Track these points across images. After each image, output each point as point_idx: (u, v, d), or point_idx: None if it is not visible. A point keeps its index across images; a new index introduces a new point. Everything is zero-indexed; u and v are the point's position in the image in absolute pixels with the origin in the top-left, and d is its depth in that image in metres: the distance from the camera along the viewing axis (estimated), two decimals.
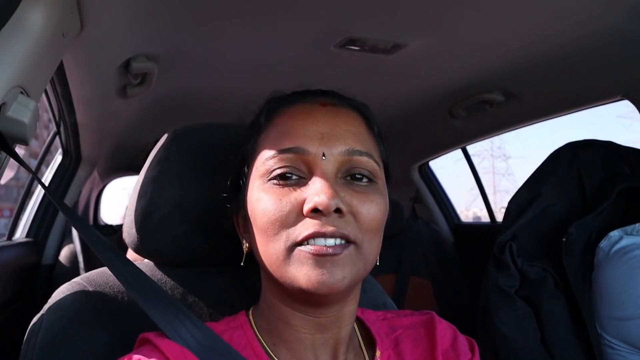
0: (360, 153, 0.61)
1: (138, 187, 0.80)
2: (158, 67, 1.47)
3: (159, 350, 0.58)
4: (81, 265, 2.16)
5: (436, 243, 2.75)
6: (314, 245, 0.56)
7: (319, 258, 0.56)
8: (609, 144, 1.30)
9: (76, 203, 2.45)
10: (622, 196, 1.21)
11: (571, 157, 1.26)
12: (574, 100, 1.69)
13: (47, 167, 2.37)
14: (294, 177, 0.60)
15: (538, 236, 1.21)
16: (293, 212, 0.58)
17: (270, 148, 0.62)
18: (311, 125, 0.62)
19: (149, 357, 0.57)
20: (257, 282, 0.70)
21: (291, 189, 0.59)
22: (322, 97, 0.67)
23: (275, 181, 0.60)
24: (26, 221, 2.19)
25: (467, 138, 2.34)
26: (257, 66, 1.57)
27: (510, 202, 1.26)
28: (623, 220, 1.18)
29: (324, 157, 0.59)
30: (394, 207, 2.51)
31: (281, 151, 0.60)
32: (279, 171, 0.60)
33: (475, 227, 2.96)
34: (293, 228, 0.58)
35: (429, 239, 2.75)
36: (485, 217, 2.86)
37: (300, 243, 0.57)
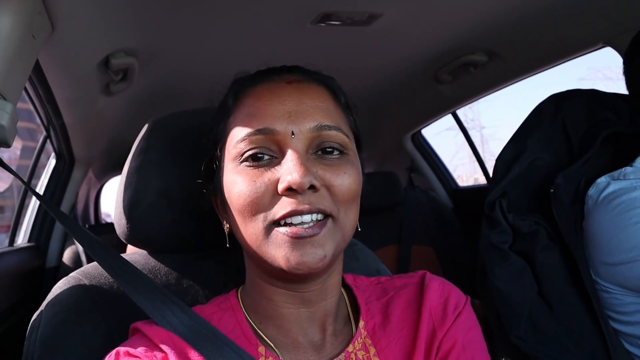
0: (329, 127, 0.62)
1: (123, 179, 0.82)
2: (138, 61, 1.47)
3: (147, 338, 0.60)
4: (84, 264, 2.18)
5: (435, 210, 2.77)
6: (291, 226, 0.57)
7: (298, 240, 0.57)
8: (592, 92, 1.29)
9: (74, 205, 2.46)
10: (609, 143, 1.21)
11: (555, 109, 1.26)
12: (556, 53, 1.68)
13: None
14: (266, 157, 0.61)
15: (527, 191, 1.22)
16: (268, 193, 0.59)
17: (240, 130, 0.63)
18: (278, 105, 0.62)
19: (137, 346, 0.59)
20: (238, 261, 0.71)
21: (264, 169, 0.60)
22: (287, 74, 0.67)
23: (247, 163, 0.61)
24: (27, 226, 2.20)
25: (455, 102, 2.34)
26: (236, 50, 1.57)
27: (497, 160, 1.26)
28: (612, 167, 1.18)
29: (293, 136, 0.60)
30: (390, 179, 2.55)
31: (251, 133, 0.61)
32: (250, 152, 0.61)
33: (473, 190, 2.97)
34: (269, 208, 0.59)
35: (428, 207, 2.76)
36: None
37: (277, 222, 0.58)
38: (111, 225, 4.09)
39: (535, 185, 1.21)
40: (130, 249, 1.34)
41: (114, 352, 0.59)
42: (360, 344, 0.66)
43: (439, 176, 3.00)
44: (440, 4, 1.37)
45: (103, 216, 4.71)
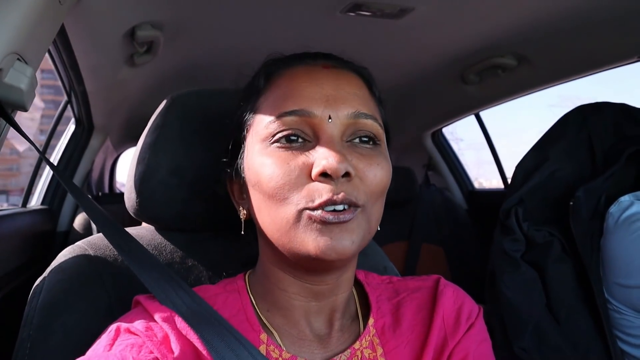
0: (366, 116, 0.60)
1: (137, 153, 0.81)
2: (163, 35, 1.46)
3: (148, 314, 0.59)
4: (94, 232, 2.20)
5: (449, 210, 2.74)
6: (324, 212, 0.55)
7: (327, 225, 0.55)
8: (622, 106, 1.26)
9: (90, 171, 2.48)
10: (634, 160, 1.18)
11: (581, 120, 1.23)
12: (588, 63, 1.64)
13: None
14: (299, 140, 0.59)
15: (545, 201, 1.20)
16: (302, 176, 0.56)
17: (272, 111, 0.60)
18: (315, 87, 0.60)
19: (138, 322, 0.58)
20: (254, 246, 0.70)
21: (297, 152, 0.58)
22: (323, 59, 0.65)
23: (279, 144, 0.58)
24: (41, 189, 2.23)
25: (480, 104, 2.30)
26: (263, 33, 1.55)
27: (517, 167, 1.24)
28: (636, 185, 1.15)
29: (330, 120, 0.58)
30: (406, 174, 2.53)
31: (285, 114, 0.59)
32: (283, 133, 0.58)
33: (489, 194, 2.93)
34: (302, 192, 0.56)
35: (442, 206, 2.74)
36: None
37: (310, 209, 0.56)
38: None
39: (553, 196, 1.18)
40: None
41: (114, 326, 0.58)
42: (367, 342, 0.65)
43: (456, 176, 2.97)
44: (474, 3, 1.33)
45: (117, 185, 4.75)
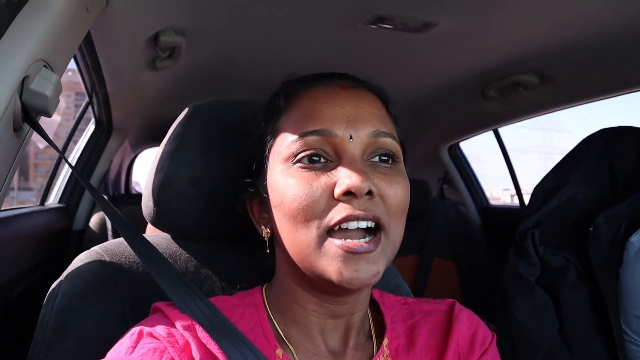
0: (385, 134, 0.61)
1: (156, 162, 0.81)
2: (186, 41, 1.47)
3: (169, 320, 0.60)
4: (109, 232, 2.22)
5: (463, 225, 2.72)
6: (346, 232, 0.56)
7: (352, 255, 0.55)
8: None
9: (107, 172, 2.51)
10: None
11: (603, 144, 1.21)
12: (612, 84, 1.62)
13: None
14: (322, 160, 0.59)
15: (563, 224, 1.18)
16: (324, 197, 0.57)
17: (294, 131, 0.60)
18: (336, 107, 0.60)
19: (159, 328, 0.58)
20: (270, 259, 0.70)
21: (319, 172, 0.58)
22: (341, 79, 0.66)
23: (301, 164, 0.59)
24: (59, 188, 2.26)
25: (499, 120, 2.28)
26: (285, 42, 1.56)
27: (536, 188, 1.22)
28: None
29: (351, 140, 0.59)
30: (421, 187, 2.51)
31: (307, 133, 0.59)
32: (306, 153, 0.59)
33: (504, 211, 2.90)
34: (324, 213, 0.56)
35: (456, 221, 2.72)
36: None
37: (331, 230, 0.56)
38: (141, 196, 4.15)
39: (572, 220, 1.17)
40: (151, 227, 1.35)
41: (136, 329, 0.58)
42: None
43: (471, 191, 2.94)
44: (498, 19, 1.33)
45: (133, 185, 4.79)
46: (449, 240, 2.64)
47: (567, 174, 1.20)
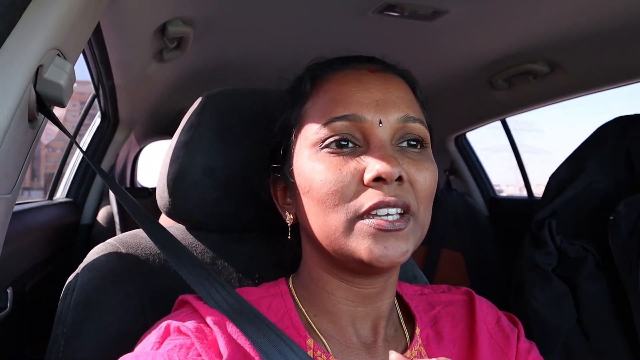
0: (414, 119, 0.60)
1: (170, 152, 0.80)
2: (194, 31, 1.46)
3: (198, 314, 0.58)
4: (117, 226, 2.21)
5: (470, 216, 2.71)
6: (378, 218, 0.55)
7: (382, 233, 0.54)
8: None
9: (113, 165, 2.50)
10: None
11: (619, 131, 1.20)
12: (623, 73, 1.59)
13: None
14: (350, 145, 0.58)
15: (580, 213, 1.16)
16: (354, 182, 0.56)
17: (322, 116, 0.60)
18: (365, 92, 0.59)
19: (188, 322, 0.57)
20: (287, 249, 0.69)
21: (348, 157, 0.57)
22: (369, 63, 0.65)
23: (329, 149, 0.58)
24: (66, 182, 2.25)
25: (507, 110, 2.26)
26: (293, 32, 1.54)
27: (551, 178, 1.21)
28: None
29: (380, 125, 0.58)
30: None
31: (335, 119, 0.58)
32: (334, 138, 0.58)
33: (512, 202, 2.88)
34: (354, 199, 0.56)
35: (463, 212, 2.71)
36: None
37: (362, 215, 0.55)
38: (145, 190, 4.16)
39: (588, 209, 1.15)
40: (163, 218, 1.34)
41: (164, 324, 0.57)
42: (416, 351, 0.64)
43: (478, 182, 2.92)
44: (510, 7, 1.31)
45: (137, 178, 4.78)
46: (457, 231, 2.63)
47: (583, 162, 1.18)
